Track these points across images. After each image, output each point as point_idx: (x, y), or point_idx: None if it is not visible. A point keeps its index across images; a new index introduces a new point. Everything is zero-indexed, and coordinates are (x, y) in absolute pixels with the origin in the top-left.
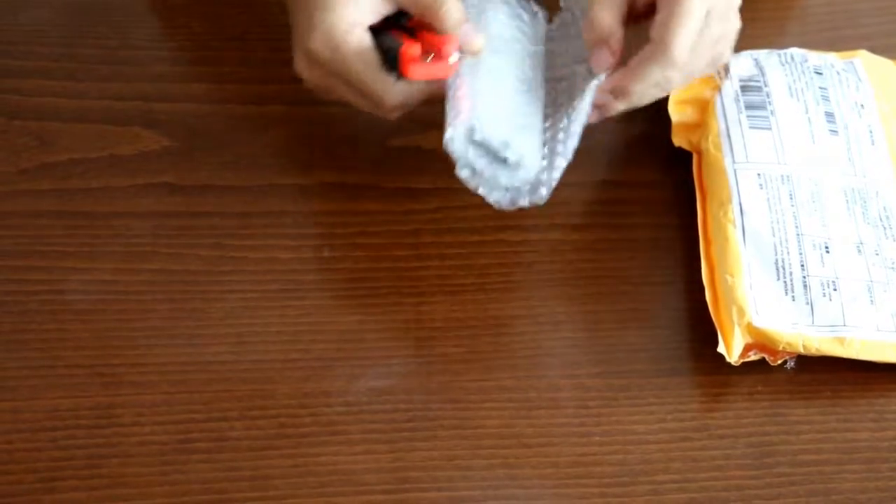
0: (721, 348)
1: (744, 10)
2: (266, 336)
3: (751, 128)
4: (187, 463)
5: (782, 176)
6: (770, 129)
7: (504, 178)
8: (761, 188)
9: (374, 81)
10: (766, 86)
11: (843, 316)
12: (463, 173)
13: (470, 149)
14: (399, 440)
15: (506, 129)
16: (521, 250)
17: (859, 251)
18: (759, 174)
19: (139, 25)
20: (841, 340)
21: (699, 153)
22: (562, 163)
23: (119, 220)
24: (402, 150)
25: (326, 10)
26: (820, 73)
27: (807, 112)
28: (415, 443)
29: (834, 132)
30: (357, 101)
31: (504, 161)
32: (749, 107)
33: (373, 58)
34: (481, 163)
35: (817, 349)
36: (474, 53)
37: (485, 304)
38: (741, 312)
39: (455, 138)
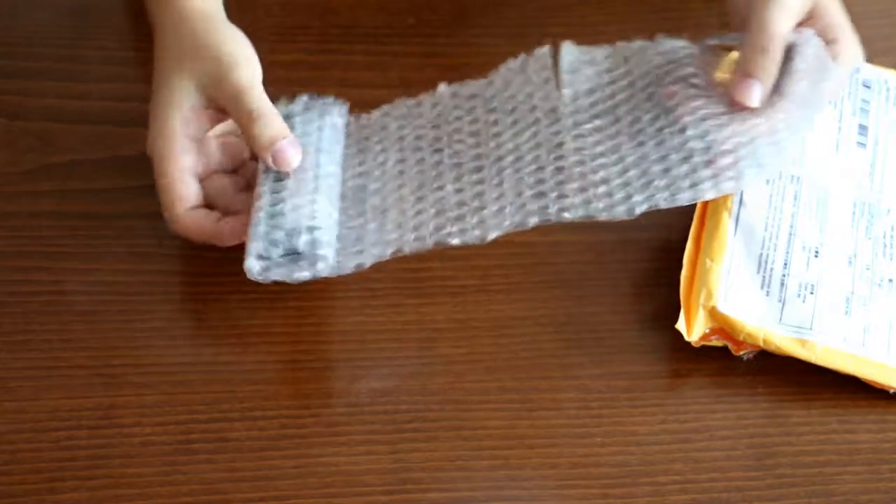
0: (681, 325)
1: None
2: (267, 337)
3: None
4: (189, 464)
5: (793, 176)
6: None
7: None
8: (767, 184)
9: (169, 200)
10: None
11: (812, 320)
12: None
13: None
14: (400, 441)
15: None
16: (522, 252)
17: (850, 262)
18: None
19: (139, 27)
20: (803, 342)
21: None
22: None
23: (121, 221)
24: None
25: (155, 120)
26: (868, 87)
27: (840, 120)
28: (416, 444)
29: (862, 145)
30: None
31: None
32: None
33: (178, 185)
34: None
35: (777, 346)
36: (289, 169)
37: (486, 305)
38: (709, 295)
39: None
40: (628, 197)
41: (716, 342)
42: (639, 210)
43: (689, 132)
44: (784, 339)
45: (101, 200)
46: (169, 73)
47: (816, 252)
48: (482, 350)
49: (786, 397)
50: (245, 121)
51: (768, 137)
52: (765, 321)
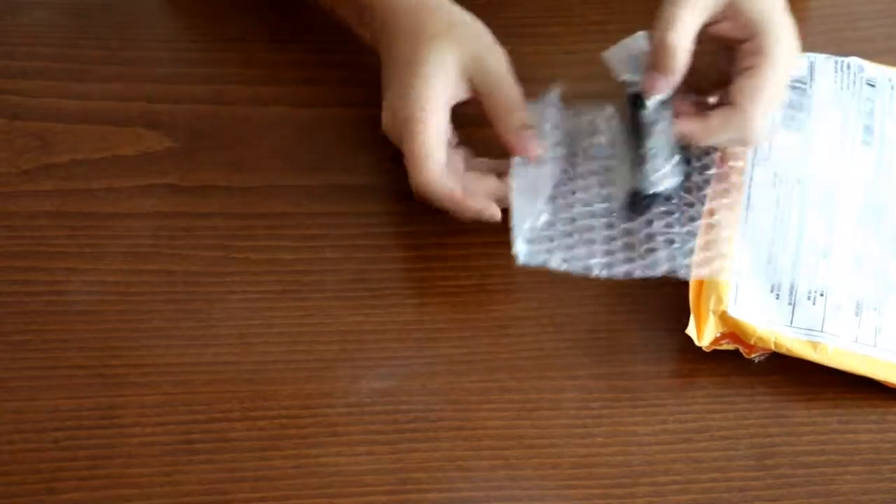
0: (691, 331)
1: None
2: (268, 337)
3: (781, 126)
4: (189, 464)
5: (799, 178)
6: (800, 130)
7: None
8: (774, 186)
9: (424, 158)
10: (810, 89)
11: (823, 322)
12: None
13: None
14: (400, 441)
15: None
16: None
17: (859, 264)
18: (775, 173)
19: (141, 26)
20: (814, 345)
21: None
22: None
23: (121, 221)
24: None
25: (408, 85)
26: (872, 86)
27: (845, 121)
28: (416, 444)
29: (867, 144)
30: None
31: None
32: (786, 106)
33: (433, 144)
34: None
35: (789, 349)
36: (531, 160)
37: (486, 305)
38: (719, 300)
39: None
40: None
41: (726, 346)
42: None
43: None
44: (795, 342)
45: (102, 200)
46: (430, 43)
47: (825, 254)
48: (482, 350)
49: (786, 397)
50: (497, 103)
51: None
52: (775, 324)
